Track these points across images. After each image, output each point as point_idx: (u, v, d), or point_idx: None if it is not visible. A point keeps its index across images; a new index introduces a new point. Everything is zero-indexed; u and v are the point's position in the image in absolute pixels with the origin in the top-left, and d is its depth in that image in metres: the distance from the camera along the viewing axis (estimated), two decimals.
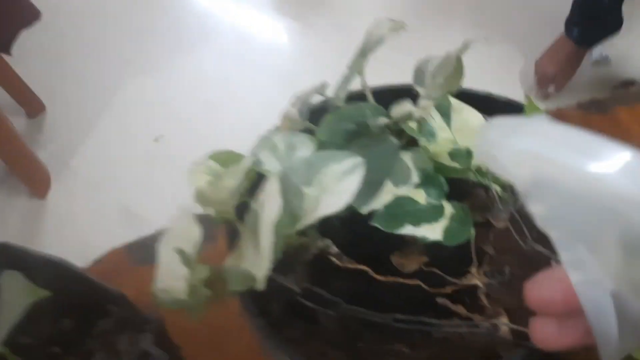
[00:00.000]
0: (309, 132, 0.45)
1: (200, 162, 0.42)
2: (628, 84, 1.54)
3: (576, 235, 0.20)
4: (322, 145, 0.42)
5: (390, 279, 0.46)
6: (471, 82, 0.45)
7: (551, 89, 1.57)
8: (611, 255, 0.19)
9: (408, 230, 0.43)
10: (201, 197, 0.39)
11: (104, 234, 1.41)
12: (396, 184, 0.40)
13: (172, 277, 0.37)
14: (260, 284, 0.34)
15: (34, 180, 1.57)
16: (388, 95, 0.47)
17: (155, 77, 1.71)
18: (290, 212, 0.37)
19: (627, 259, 0.18)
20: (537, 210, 0.21)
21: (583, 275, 0.20)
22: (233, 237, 0.41)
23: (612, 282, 0.19)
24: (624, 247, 0.18)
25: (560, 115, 0.68)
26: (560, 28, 1.53)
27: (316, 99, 0.48)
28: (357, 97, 0.45)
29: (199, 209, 0.41)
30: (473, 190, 0.50)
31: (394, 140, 0.42)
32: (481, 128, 0.25)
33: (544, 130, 0.21)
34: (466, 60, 0.42)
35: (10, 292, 0.38)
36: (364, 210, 0.39)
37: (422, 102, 0.38)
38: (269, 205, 0.35)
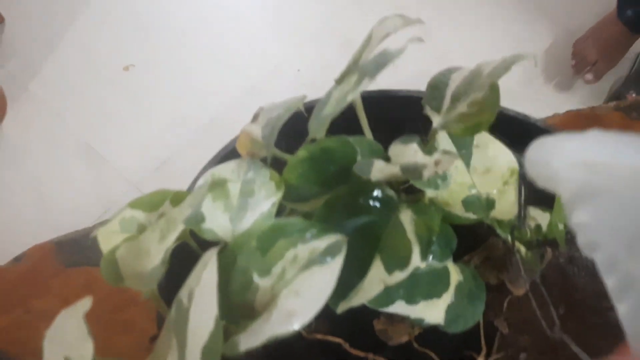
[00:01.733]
0: (274, 160, 0.33)
1: (114, 217, 0.29)
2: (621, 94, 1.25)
3: (621, 241, 0.18)
4: (289, 191, 0.30)
5: (371, 357, 0.35)
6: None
7: (589, 76, 1.29)
8: None
9: (399, 308, 0.32)
10: (110, 270, 0.27)
11: (60, 171, 1.29)
12: (389, 267, 0.29)
13: None
14: None
15: None
16: (386, 106, 0.35)
17: None
18: (231, 312, 0.25)
19: None
20: (582, 219, 0.20)
21: (630, 305, 0.18)
22: (162, 324, 0.30)
23: None
24: None
25: (594, 117, 0.55)
26: (611, 4, 1.24)
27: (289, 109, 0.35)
28: (345, 116, 0.33)
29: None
30: (487, 239, 0.39)
31: (390, 192, 0.30)
32: (529, 149, 0.24)
33: (601, 138, 0.21)
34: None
35: None
36: (340, 309, 0.28)
37: (440, 156, 0.26)
38: (201, 312, 0.24)
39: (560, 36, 1.42)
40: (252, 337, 0.24)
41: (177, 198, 0.32)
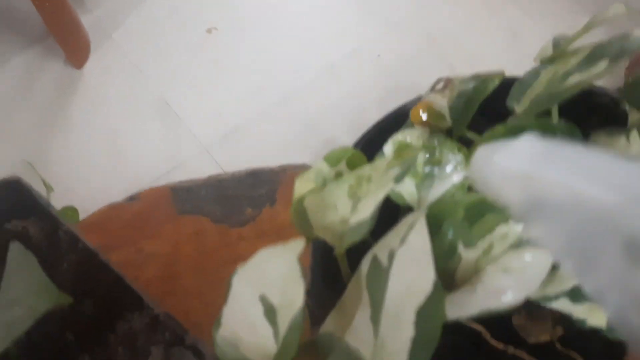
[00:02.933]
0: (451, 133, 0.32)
1: (312, 168, 0.29)
2: None
3: (578, 261, 0.18)
4: None
5: (510, 350, 0.35)
6: None
7: None
8: (616, 270, 0.17)
9: (562, 305, 0.31)
10: (299, 218, 0.27)
11: (134, 122, 1.30)
12: None
13: (244, 327, 0.26)
14: None
15: (73, 46, 1.44)
16: (574, 99, 0.33)
17: None
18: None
19: (630, 271, 0.16)
20: (537, 233, 0.19)
21: (612, 311, 0.17)
22: (325, 274, 0.29)
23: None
24: (626, 259, 0.16)
25: None
26: None
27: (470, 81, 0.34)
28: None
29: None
30: None
31: None
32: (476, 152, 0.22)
33: (533, 147, 0.20)
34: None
35: (24, 289, 0.27)
36: (533, 297, 0.27)
37: None
38: (408, 273, 0.23)
39: None
40: (459, 308, 0.24)
41: (352, 159, 0.31)
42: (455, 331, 0.36)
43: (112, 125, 1.33)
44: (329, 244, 0.31)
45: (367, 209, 0.25)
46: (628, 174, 0.17)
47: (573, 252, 0.18)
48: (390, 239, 0.25)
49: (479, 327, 0.35)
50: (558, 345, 0.34)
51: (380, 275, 0.24)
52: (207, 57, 1.40)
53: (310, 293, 0.33)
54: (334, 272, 0.31)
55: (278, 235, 0.45)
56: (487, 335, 0.34)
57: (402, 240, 0.24)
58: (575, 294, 0.31)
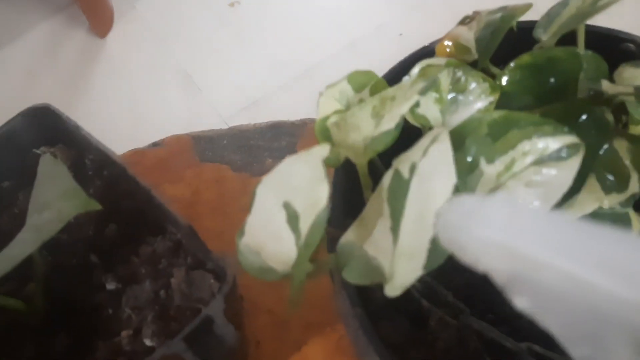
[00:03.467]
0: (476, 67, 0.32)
1: (335, 84, 0.29)
2: None
3: (574, 332, 0.17)
4: (502, 97, 0.30)
5: None
6: None
7: None
8: (622, 354, 0.16)
9: None
10: (322, 134, 0.27)
11: (155, 92, 1.32)
12: (606, 188, 0.28)
13: (267, 234, 0.26)
14: (396, 290, 0.23)
15: (97, 15, 1.46)
16: (600, 45, 0.33)
17: None
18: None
19: None
20: (522, 304, 0.18)
21: None
22: (345, 202, 0.30)
23: None
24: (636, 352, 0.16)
25: None
26: None
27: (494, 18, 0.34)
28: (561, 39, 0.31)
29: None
30: None
31: (609, 116, 0.29)
32: (442, 209, 0.22)
33: (510, 214, 0.19)
34: None
35: (53, 194, 0.28)
36: None
37: None
38: (434, 179, 0.23)
39: None
40: None
41: (376, 87, 0.32)
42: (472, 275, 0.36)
43: (133, 94, 1.34)
44: (351, 175, 0.32)
45: (392, 120, 0.25)
46: (624, 255, 0.16)
47: (568, 332, 0.17)
48: (412, 153, 0.25)
49: None
50: None
51: (401, 187, 0.25)
52: (229, 30, 1.41)
53: (329, 221, 0.33)
54: (354, 202, 0.31)
55: None
56: None
57: (424, 153, 0.24)
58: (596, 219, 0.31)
